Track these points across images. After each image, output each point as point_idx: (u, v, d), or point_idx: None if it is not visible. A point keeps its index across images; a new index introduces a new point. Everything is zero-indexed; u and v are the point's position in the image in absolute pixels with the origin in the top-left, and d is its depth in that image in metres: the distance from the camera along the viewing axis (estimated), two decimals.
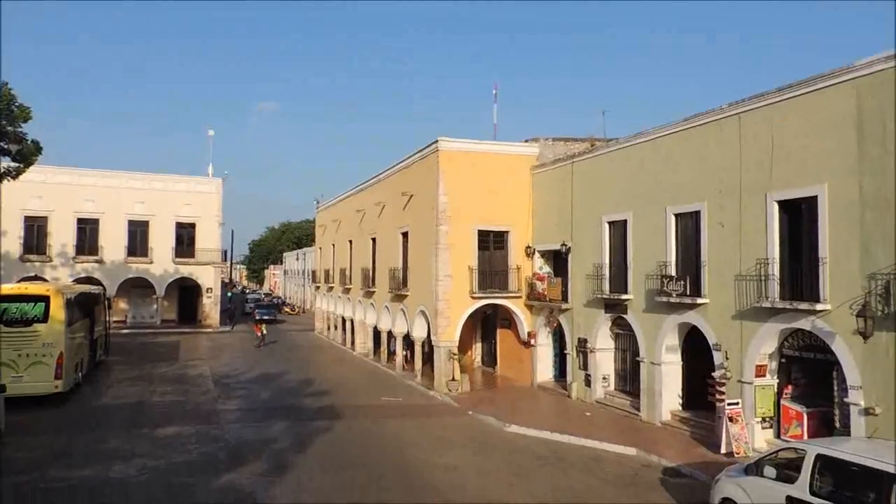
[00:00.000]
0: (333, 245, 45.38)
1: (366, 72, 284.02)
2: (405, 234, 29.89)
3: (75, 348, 24.42)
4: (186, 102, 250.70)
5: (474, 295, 25.73)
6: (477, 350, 31.94)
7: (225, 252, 55.84)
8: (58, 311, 22.35)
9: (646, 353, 20.17)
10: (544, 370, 26.55)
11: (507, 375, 28.65)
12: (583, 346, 23.16)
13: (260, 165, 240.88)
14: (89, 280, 50.08)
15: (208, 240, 53.23)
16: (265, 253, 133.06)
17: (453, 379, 25.10)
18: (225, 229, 54.91)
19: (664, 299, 18.70)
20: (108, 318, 33.31)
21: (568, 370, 24.24)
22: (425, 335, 28.45)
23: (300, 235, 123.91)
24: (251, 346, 41.11)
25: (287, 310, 74.86)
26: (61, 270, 49.13)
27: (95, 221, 50.27)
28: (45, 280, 47.67)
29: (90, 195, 50.10)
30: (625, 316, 21.08)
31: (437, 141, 25.87)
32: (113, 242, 50.36)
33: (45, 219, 48.93)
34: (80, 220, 49.86)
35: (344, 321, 43.41)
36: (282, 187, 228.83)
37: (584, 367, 23.13)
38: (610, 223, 21.96)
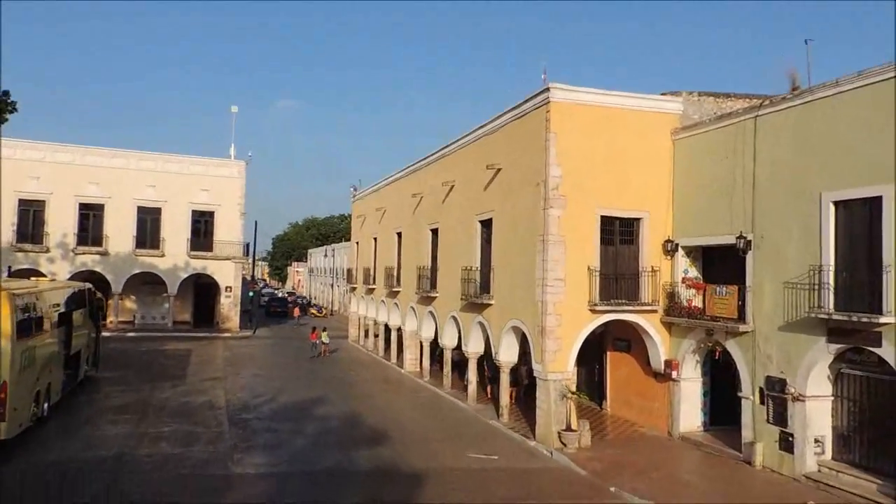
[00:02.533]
0: (375, 238, 38.06)
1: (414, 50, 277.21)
2: (487, 223, 22.40)
3: (37, 371, 17.36)
4: (207, 90, 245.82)
5: (595, 307, 18.20)
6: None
7: (247, 246, 48.86)
8: (3, 322, 15.27)
9: None
10: (690, 415, 18.92)
11: (625, 417, 21.05)
12: (778, 390, 15.47)
13: (282, 157, 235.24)
14: (91, 275, 43.50)
15: (228, 231, 46.29)
16: (288, 249, 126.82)
17: (568, 428, 17.56)
18: (247, 220, 47.93)
19: None
20: (98, 324, 26.27)
21: (745, 422, 16.54)
22: (515, 359, 21.00)
23: (325, 232, 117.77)
24: (274, 357, 33.94)
25: (313, 311, 67.83)
26: (60, 263, 42.46)
27: (100, 207, 43.57)
28: (41, 274, 41.12)
29: (94, 177, 43.42)
30: (872, 349, 13.37)
31: (546, 89, 18.37)
32: (119, 232, 43.62)
33: (42, 203, 42.33)
34: (82, 206, 43.19)
35: (388, 331, 36.04)
36: (305, 181, 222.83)
37: (780, 421, 15.44)
38: (839, 204, 14.27)
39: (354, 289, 43.24)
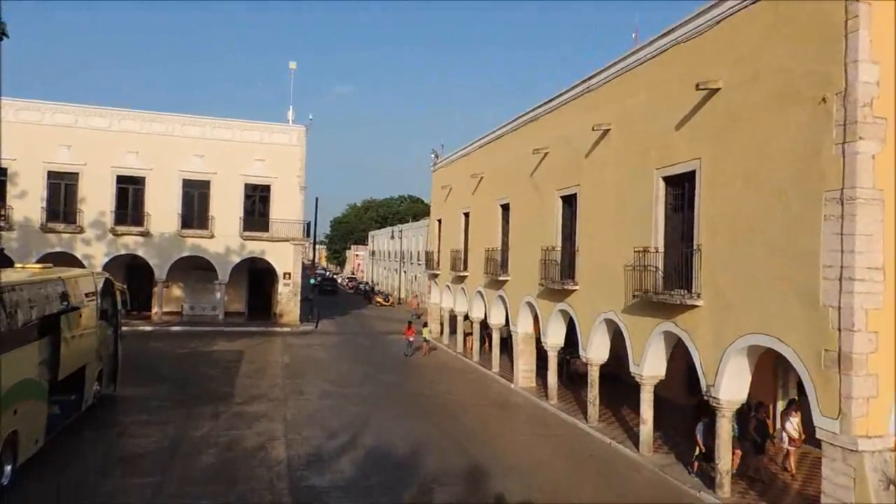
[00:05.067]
0: (467, 214, 30.49)
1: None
2: (680, 179, 14.44)
3: None
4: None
5: None
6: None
7: (307, 225, 42.11)
8: None
9: None
10: None
11: None
12: None
13: (339, 133, 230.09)
14: (132, 259, 37.48)
15: (286, 208, 39.58)
16: (346, 232, 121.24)
17: None
18: (307, 196, 41.10)
19: None
20: (117, 326, 19.54)
21: None
22: (744, 397, 13.08)
23: (384, 213, 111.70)
24: (344, 362, 26.90)
25: (379, 300, 60.99)
26: (96, 245, 36.59)
27: (140, 181, 37.38)
28: (75, 260, 35.31)
29: (134, 145, 37.21)
30: None
31: None
32: (163, 209, 37.41)
33: (75, 175, 36.36)
34: (120, 179, 37.09)
35: (487, 331, 28.70)
36: (363, 158, 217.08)
37: None
38: None
39: (436, 276, 35.85)
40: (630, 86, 16.27)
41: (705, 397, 13.37)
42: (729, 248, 12.60)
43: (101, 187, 36.49)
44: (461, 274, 30.25)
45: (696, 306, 13.41)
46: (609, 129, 17.18)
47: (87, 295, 16.44)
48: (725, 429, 13.02)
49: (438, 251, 35.60)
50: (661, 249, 14.85)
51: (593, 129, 17.43)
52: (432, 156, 36.82)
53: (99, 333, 17.41)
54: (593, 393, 18.32)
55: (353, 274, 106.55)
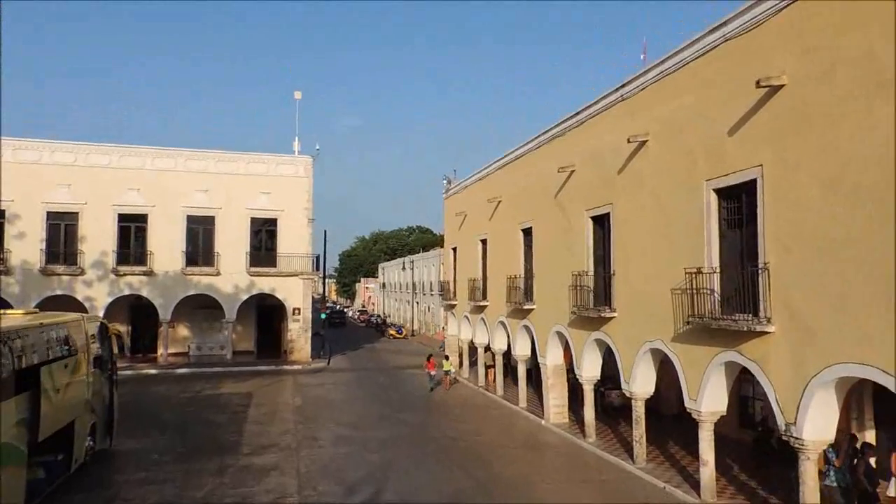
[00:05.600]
0: (484, 241, 28.90)
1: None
2: (746, 188, 12.80)
3: None
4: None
5: None
6: None
7: (316, 258, 40.59)
8: None
9: None
10: None
11: None
12: None
13: (344, 169, 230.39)
14: (136, 300, 36.05)
15: (294, 242, 38.15)
16: (355, 265, 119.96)
17: None
18: (315, 229, 39.64)
19: None
20: (112, 374, 17.86)
21: None
22: (830, 437, 11.25)
23: (393, 245, 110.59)
24: (360, 402, 25.09)
25: (392, 332, 59.16)
26: (98, 287, 35.19)
27: (143, 218, 36.08)
28: (77, 303, 33.87)
29: (135, 182, 36.01)
30: None
31: None
32: (166, 247, 36.05)
33: (75, 215, 35.11)
34: (121, 217, 35.81)
35: (512, 363, 26.99)
36: (370, 193, 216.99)
37: None
38: None
39: (453, 306, 34.14)
40: (671, 90, 14.74)
41: (784, 437, 11.51)
42: (807, 265, 10.90)
43: (102, 227, 35.21)
44: (480, 304, 28.55)
45: (766, 332, 11.66)
46: (646, 140, 15.63)
47: (76, 341, 14.86)
48: (812, 475, 11.15)
49: (454, 281, 33.94)
50: (717, 270, 13.14)
51: (629, 141, 15.86)
52: (444, 182, 35.42)
53: (91, 383, 15.77)
54: (639, 431, 16.48)
55: (363, 307, 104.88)
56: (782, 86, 11.35)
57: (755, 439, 17.07)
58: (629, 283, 16.60)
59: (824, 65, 10.56)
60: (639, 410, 16.50)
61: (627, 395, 16.76)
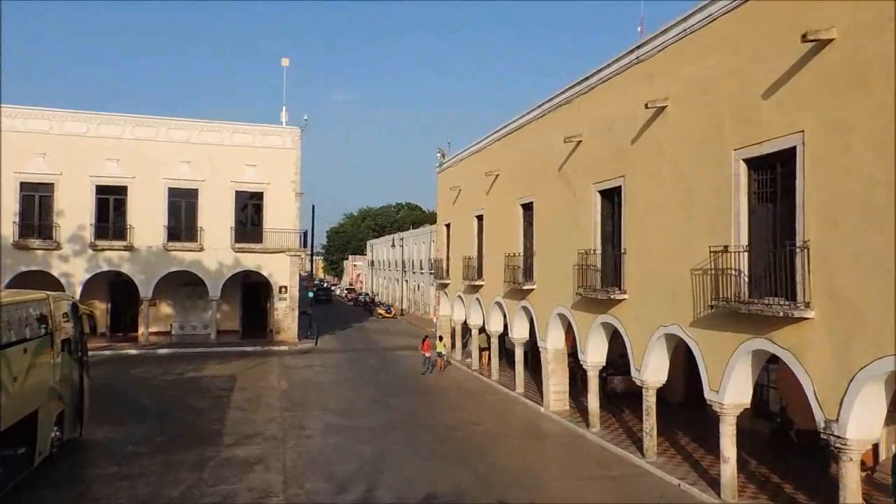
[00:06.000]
0: (480, 217, 27.58)
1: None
2: (782, 157, 11.53)
3: None
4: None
5: None
6: None
7: (304, 234, 39.13)
8: None
9: None
10: None
11: None
12: None
13: (333, 144, 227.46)
14: (116, 276, 34.60)
15: (282, 217, 36.67)
16: (343, 242, 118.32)
17: None
18: (303, 204, 38.10)
19: None
20: (82, 356, 16.47)
21: None
22: (876, 436, 10.15)
23: (382, 223, 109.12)
24: (349, 386, 23.91)
25: (381, 311, 57.92)
26: (75, 262, 33.60)
27: (122, 190, 34.46)
28: (52, 277, 32.34)
29: (114, 152, 34.30)
30: None
31: None
32: (147, 221, 34.45)
33: (50, 186, 33.43)
34: (99, 189, 34.16)
35: (507, 345, 25.87)
36: (358, 167, 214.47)
37: None
38: None
39: (445, 285, 32.90)
40: (696, 50, 13.38)
41: (823, 435, 10.38)
42: (857, 241, 9.70)
43: (79, 199, 33.55)
44: (475, 283, 27.31)
45: (805, 318, 10.48)
46: (665, 106, 14.30)
47: (40, 322, 13.48)
48: (854, 476, 10.05)
49: (448, 259, 32.68)
50: (747, 248, 11.92)
51: (646, 107, 14.53)
52: (438, 155, 33.95)
53: (59, 368, 14.42)
54: (650, 422, 15.40)
55: (351, 285, 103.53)
56: (831, 40, 10.03)
57: (772, 431, 16.04)
58: (642, 262, 15.39)
59: (883, 13, 9.24)
60: (650, 400, 15.40)
61: (638, 383, 15.62)
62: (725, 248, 12.15)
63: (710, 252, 12.40)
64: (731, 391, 12.44)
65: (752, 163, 11.98)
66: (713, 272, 12.46)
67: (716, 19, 12.66)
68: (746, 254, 11.92)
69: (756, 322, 11.53)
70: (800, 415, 14.57)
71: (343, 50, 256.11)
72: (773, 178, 11.54)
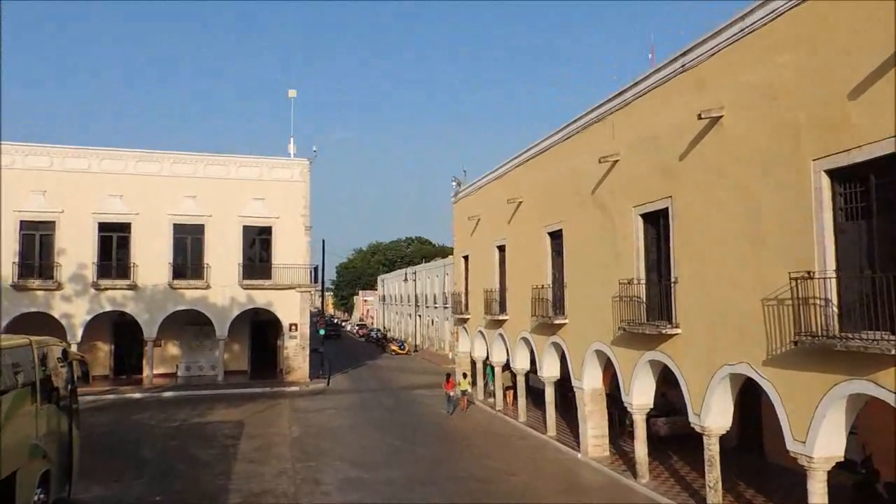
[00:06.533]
0: (502, 247, 25.98)
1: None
2: (875, 167, 9.91)
3: None
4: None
5: None
6: None
7: (314, 269, 37.60)
8: None
9: None
10: None
11: None
12: None
13: (340, 180, 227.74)
14: (120, 317, 33.16)
15: (291, 252, 35.25)
16: (353, 277, 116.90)
17: None
18: (312, 238, 36.66)
19: None
20: (71, 405, 14.77)
21: None
22: None
23: (392, 257, 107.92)
24: (366, 433, 22.02)
25: (394, 348, 56.04)
26: (77, 303, 32.20)
27: (126, 227, 33.18)
28: (52, 319, 30.89)
29: (117, 188, 33.16)
30: None
31: None
32: (152, 258, 33.09)
33: (51, 224, 32.20)
34: (102, 226, 32.90)
35: (531, 383, 24.04)
36: (366, 204, 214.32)
37: None
38: None
39: (465, 320, 31.14)
40: (759, 50, 11.86)
41: None
42: None
43: (81, 237, 32.30)
44: (498, 318, 25.57)
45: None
46: (721, 116, 12.75)
47: (18, 372, 11.86)
48: None
49: (466, 293, 30.99)
50: (834, 274, 10.22)
51: (699, 118, 12.98)
52: (453, 184, 32.52)
53: (45, 422, 12.76)
54: (713, 475, 13.49)
55: (362, 320, 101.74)
56: None
57: (855, 484, 14.05)
58: (697, 292, 13.68)
59: None
60: (712, 449, 13.53)
61: (698, 429, 13.76)
62: (809, 274, 10.44)
63: (791, 279, 10.68)
64: (822, 442, 10.60)
65: (836, 174, 10.35)
66: (793, 302, 10.73)
67: (784, 13, 11.15)
68: (834, 280, 10.21)
69: (853, 361, 9.77)
70: (888, 465, 12.69)
71: (344, 87, 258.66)
72: (866, 190, 9.89)
